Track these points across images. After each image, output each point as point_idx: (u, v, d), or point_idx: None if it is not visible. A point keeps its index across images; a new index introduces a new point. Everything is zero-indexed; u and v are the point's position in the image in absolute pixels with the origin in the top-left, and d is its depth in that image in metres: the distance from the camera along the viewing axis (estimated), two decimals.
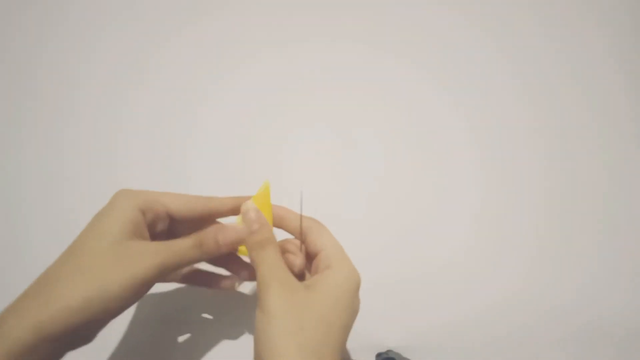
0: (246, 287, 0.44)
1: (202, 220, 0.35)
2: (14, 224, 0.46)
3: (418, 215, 0.47)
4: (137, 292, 0.29)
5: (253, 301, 0.43)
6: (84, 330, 0.28)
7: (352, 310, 0.32)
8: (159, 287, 0.45)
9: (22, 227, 0.46)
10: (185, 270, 0.38)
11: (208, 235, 0.32)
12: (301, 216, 0.35)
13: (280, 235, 0.36)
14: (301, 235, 0.35)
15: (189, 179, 0.48)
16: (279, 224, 0.36)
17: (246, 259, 0.36)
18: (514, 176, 0.49)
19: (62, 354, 0.29)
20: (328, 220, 0.43)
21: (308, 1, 0.54)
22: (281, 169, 0.48)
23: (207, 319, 0.43)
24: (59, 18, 0.53)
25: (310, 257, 0.35)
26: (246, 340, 0.42)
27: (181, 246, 0.31)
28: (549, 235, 0.47)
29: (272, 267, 0.31)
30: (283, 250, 0.35)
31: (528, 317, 0.44)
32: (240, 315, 0.43)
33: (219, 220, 0.37)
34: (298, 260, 0.34)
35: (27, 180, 0.48)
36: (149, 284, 0.29)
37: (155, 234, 0.34)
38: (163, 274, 0.30)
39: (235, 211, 0.35)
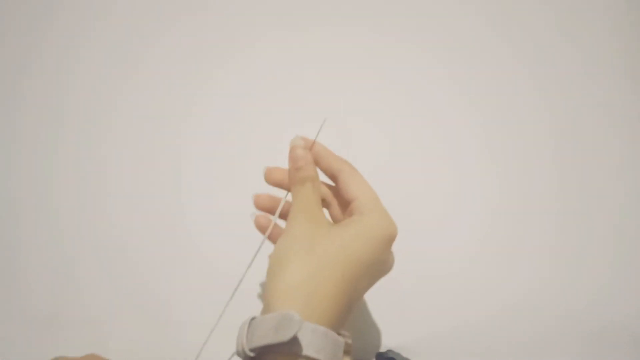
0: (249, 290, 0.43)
1: None
2: (8, 226, 0.46)
3: (424, 216, 0.47)
4: None
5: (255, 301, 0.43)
6: None
7: (380, 261, 0.32)
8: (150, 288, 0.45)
9: (16, 229, 0.46)
10: None
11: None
12: (314, 141, 0.34)
13: None
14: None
15: (183, 177, 0.48)
16: (315, 163, 0.34)
17: None
18: (524, 178, 0.48)
19: None
20: None
21: None
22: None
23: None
24: (50, 16, 0.53)
25: (343, 205, 0.35)
26: None
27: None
28: (560, 239, 0.46)
29: (305, 200, 0.31)
30: (325, 194, 0.35)
31: (536, 322, 0.44)
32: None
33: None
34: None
35: (17, 182, 0.48)
36: None
37: None
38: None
39: None
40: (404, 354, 0.42)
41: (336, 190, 0.35)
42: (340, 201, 0.35)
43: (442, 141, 0.49)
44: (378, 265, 0.32)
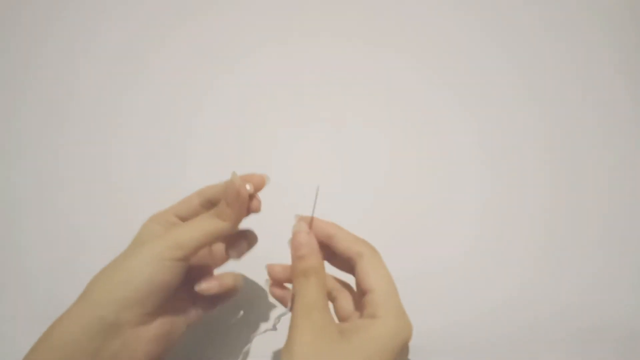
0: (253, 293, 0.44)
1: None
2: (10, 224, 0.46)
3: (420, 215, 0.47)
4: (159, 272, 0.29)
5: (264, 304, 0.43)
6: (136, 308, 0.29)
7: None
8: None
9: (18, 227, 0.46)
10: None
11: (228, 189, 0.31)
12: (312, 218, 0.32)
13: None
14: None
15: (186, 178, 0.48)
16: (326, 243, 0.32)
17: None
18: (517, 177, 0.49)
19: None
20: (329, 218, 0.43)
21: None
22: (283, 166, 0.48)
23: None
24: (55, 17, 0.52)
25: (358, 291, 0.31)
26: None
27: (197, 220, 0.31)
28: (551, 237, 0.47)
29: (310, 304, 0.28)
30: (332, 288, 0.33)
31: (529, 318, 0.44)
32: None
33: None
34: (345, 304, 0.32)
35: (23, 181, 0.48)
36: (169, 264, 0.30)
37: None
38: (183, 253, 0.30)
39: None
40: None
41: (343, 282, 0.33)
42: (352, 291, 0.33)
43: (436, 143, 0.50)
44: None
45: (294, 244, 0.31)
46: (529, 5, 0.54)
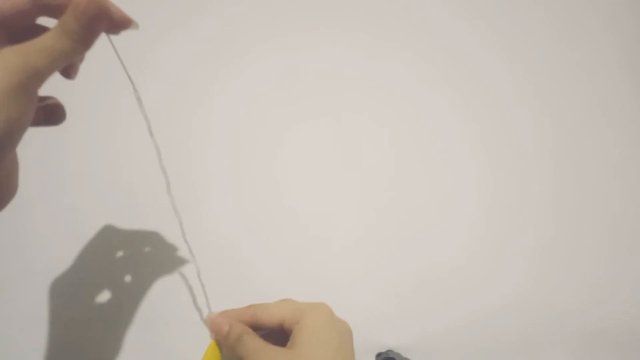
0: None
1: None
2: (10, 224, 0.46)
3: (422, 218, 0.47)
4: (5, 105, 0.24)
5: None
6: None
7: (339, 339, 0.31)
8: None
9: (18, 227, 0.46)
10: None
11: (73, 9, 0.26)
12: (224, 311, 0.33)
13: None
14: None
15: (186, 176, 0.48)
16: (255, 325, 0.33)
17: None
18: (519, 179, 0.49)
19: None
20: (330, 222, 0.43)
21: None
22: (283, 166, 0.48)
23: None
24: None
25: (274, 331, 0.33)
26: None
27: (43, 40, 0.26)
28: (554, 239, 0.47)
29: (258, 352, 0.30)
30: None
31: (531, 321, 0.44)
32: None
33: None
34: None
35: (23, 181, 0.47)
36: (17, 95, 0.24)
37: None
38: (33, 80, 0.25)
39: None
40: (404, 354, 0.42)
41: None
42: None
43: (437, 144, 0.50)
44: (342, 341, 0.32)
45: (213, 329, 0.32)
46: (532, 5, 0.54)
